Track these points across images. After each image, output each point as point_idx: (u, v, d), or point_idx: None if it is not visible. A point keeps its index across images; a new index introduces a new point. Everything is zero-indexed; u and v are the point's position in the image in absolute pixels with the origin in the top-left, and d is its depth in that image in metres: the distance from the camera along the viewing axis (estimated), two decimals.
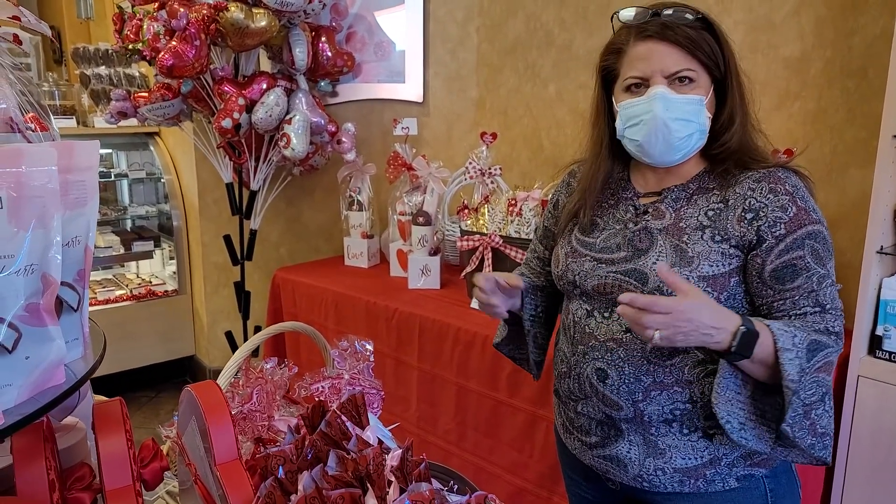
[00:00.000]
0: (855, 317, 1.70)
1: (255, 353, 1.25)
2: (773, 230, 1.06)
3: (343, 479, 0.84)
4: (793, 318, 1.06)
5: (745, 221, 1.08)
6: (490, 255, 2.16)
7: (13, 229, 0.63)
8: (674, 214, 1.14)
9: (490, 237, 2.15)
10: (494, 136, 2.47)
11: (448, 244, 2.60)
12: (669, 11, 1.09)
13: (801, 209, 1.07)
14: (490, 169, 2.44)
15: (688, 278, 1.06)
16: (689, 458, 1.11)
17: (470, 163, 2.46)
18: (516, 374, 1.92)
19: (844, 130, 1.98)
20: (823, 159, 2.04)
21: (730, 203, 1.10)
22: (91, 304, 3.27)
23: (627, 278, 1.11)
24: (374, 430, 1.04)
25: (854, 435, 1.69)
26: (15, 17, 0.75)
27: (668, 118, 1.08)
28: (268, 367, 1.25)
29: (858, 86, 1.94)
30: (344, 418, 1.04)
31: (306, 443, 0.96)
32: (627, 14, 1.13)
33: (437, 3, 2.96)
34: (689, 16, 1.09)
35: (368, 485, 0.85)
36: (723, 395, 1.03)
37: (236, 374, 1.21)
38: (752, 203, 1.08)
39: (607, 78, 1.19)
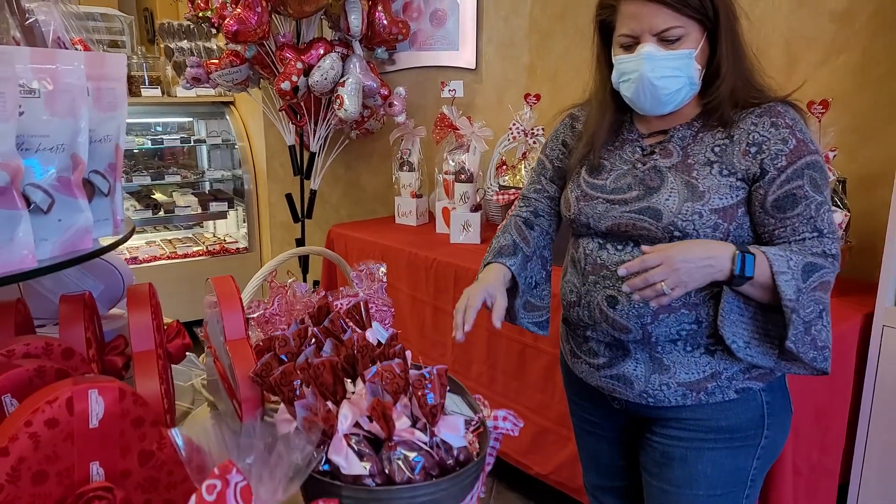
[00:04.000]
0: (881, 268, 1.69)
1: None
2: (775, 162, 1.10)
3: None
4: (792, 243, 1.11)
5: (750, 155, 1.12)
6: None
7: (48, 115, 0.79)
8: (681, 152, 1.18)
9: None
10: (538, 97, 2.53)
11: (492, 205, 2.69)
12: None
13: (801, 140, 1.11)
14: (533, 129, 2.51)
15: (700, 212, 1.12)
16: (692, 373, 1.17)
17: (514, 124, 2.54)
18: None
19: (887, 83, 1.93)
20: (867, 115, 1.99)
21: (734, 138, 1.14)
22: (171, 258, 3.60)
23: (642, 216, 1.16)
24: (375, 333, 1.17)
25: (879, 381, 1.71)
26: None
27: (653, 77, 1.13)
28: (289, 281, 1.40)
29: None
30: (346, 319, 1.18)
31: (308, 333, 1.09)
32: None
33: None
34: None
35: (354, 363, 0.97)
36: (727, 317, 1.11)
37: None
38: (756, 137, 1.12)
39: (606, 29, 1.23)
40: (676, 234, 1.13)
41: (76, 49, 0.97)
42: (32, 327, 0.99)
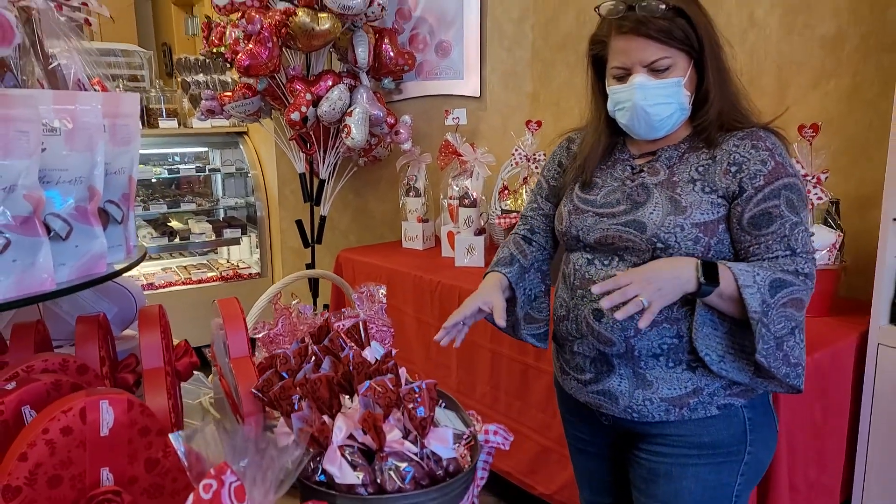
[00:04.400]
0: (874, 287, 1.72)
1: None
2: (754, 181, 1.16)
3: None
4: (766, 260, 1.16)
5: (730, 174, 1.19)
6: None
7: (68, 151, 0.86)
8: (668, 171, 1.25)
9: None
10: (539, 123, 2.61)
11: (495, 228, 2.75)
12: (644, 3, 1.16)
13: (779, 163, 1.17)
14: (535, 154, 2.58)
15: (682, 225, 1.18)
16: (675, 389, 1.21)
17: (516, 149, 2.61)
18: None
19: (879, 104, 1.97)
20: (859, 136, 2.03)
21: (717, 159, 1.21)
22: (186, 284, 3.70)
23: (627, 228, 1.22)
24: (373, 351, 1.22)
25: (876, 399, 1.74)
26: (84, 3, 1.00)
27: (646, 105, 1.20)
28: (293, 303, 1.46)
29: (894, 59, 1.93)
30: (345, 338, 1.23)
31: (309, 352, 1.15)
32: (605, 9, 1.23)
33: (494, 3, 3.13)
34: (661, 6, 1.16)
35: (351, 379, 1.02)
36: (700, 331, 1.17)
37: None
38: (736, 158, 1.19)
39: (599, 62, 1.30)
40: (659, 245, 1.18)
41: (95, 90, 1.05)
42: (51, 347, 1.06)
